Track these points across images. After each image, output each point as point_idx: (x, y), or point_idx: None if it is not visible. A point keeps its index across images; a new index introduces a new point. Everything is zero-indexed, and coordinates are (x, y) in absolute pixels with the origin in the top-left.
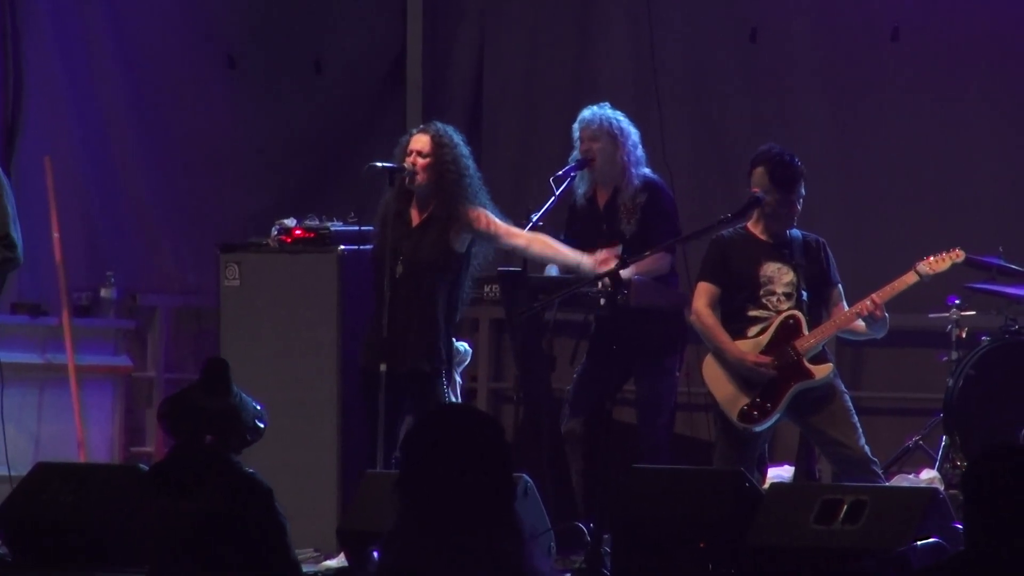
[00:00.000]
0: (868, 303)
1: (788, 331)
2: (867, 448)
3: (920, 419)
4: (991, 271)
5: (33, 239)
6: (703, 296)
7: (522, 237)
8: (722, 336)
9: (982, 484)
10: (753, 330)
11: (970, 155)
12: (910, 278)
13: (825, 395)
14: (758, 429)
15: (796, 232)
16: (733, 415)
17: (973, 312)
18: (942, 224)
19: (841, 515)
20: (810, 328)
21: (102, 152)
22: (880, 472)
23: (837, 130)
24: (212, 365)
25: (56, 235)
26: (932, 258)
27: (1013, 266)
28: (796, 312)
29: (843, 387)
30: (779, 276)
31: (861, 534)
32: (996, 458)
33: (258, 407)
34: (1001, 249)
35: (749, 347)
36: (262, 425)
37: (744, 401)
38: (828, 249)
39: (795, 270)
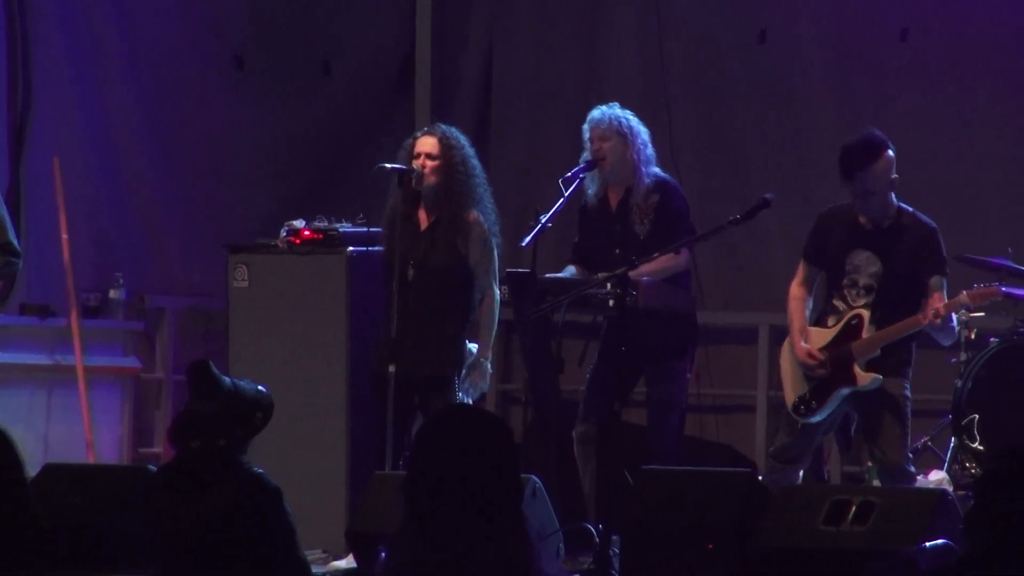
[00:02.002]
0: (929, 313)
1: (850, 331)
2: (906, 458)
3: (929, 420)
4: (1000, 272)
5: (41, 240)
6: (798, 275)
7: (485, 290)
8: (794, 322)
9: (995, 484)
10: (831, 320)
11: (979, 156)
12: (961, 299)
13: (878, 403)
14: (805, 421)
15: (908, 213)
16: (788, 403)
17: (982, 314)
18: (950, 225)
19: (849, 516)
20: (880, 327)
21: (110, 153)
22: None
23: (846, 130)
24: (194, 370)
25: (64, 236)
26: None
27: (1022, 268)
28: (862, 312)
29: (902, 392)
30: (866, 266)
31: (869, 535)
32: (1011, 459)
33: (260, 388)
34: (1010, 251)
35: (818, 339)
36: (264, 389)
37: (799, 392)
38: (938, 237)
39: (883, 260)
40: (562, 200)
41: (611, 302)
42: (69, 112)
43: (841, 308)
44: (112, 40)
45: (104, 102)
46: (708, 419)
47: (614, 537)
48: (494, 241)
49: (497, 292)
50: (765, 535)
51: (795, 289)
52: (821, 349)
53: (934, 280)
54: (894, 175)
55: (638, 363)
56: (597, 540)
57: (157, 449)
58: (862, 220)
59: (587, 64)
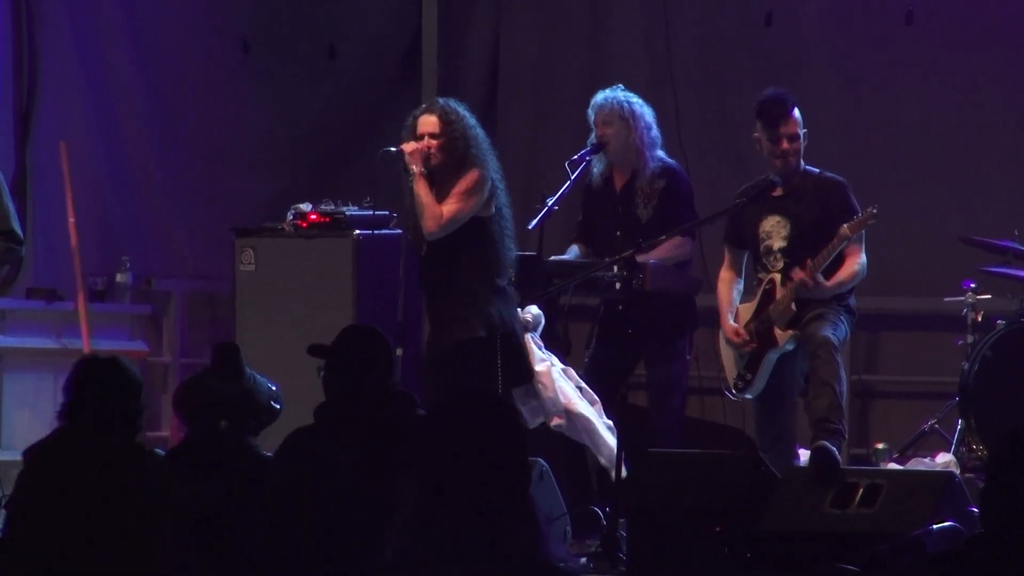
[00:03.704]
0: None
1: (767, 297)
2: (831, 336)
3: (936, 403)
4: (1007, 255)
5: (48, 224)
6: (724, 261)
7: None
8: (721, 303)
9: (1003, 464)
10: (757, 291)
11: (984, 138)
12: (842, 232)
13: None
14: (745, 397)
15: (812, 173)
16: (729, 383)
17: (988, 296)
18: (956, 208)
19: (856, 499)
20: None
21: (117, 137)
22: (838, 359)
23: (851, 114)
24: (223, 350)
25: (71, 220)
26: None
27: None
28: (774, 275)
29: (827, 307)
30: (777, 230)
31: (876, 518)
32: (1018, 439)
33: (272, 387)
34: (1016, 232)
35: (745, 313)
36: (277, 406)
37: (738, 370)
38: (845, 190)
39: (792, 221)
40: (568, 183)
41: (617, 285)
42: (75, 97)
43: (764, 278)
44: (118, 25)
45: (110, 87)
46: (715, 402)
47: (621, 520)
48: (491, 185)
49: (456, 212)
50: (772, 518)
51: (722, 273)
52: (746, 323)
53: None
54: (805, 132)
55: (638, 346)
56: (604, 523)
57: (164, 432)
58: (769, 189)
59: (593, 47)
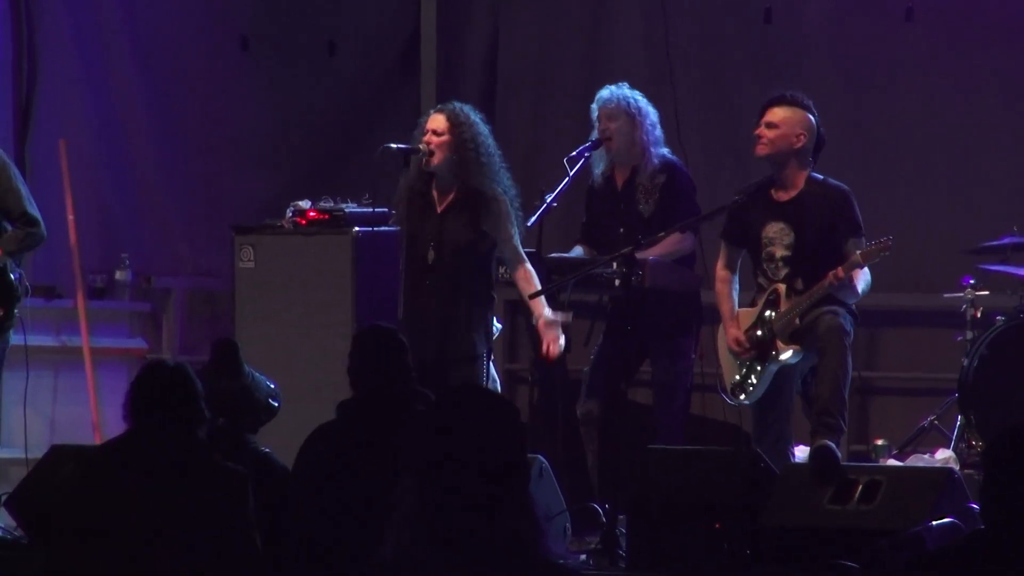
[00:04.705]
0: (830, 275)
1: (770, 306)
2: (843, 322)
3: (935, 399)
4: (1005, 252)
5: (48, 222)
6: (720, 257)
7: (517, 263)
8: (722, 307)
9: (1001, 461)
10: (760, 299)
11: (984, 135)
12: (855, 260)
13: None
14: (740, 404)
15: (818, 181)
16: (727, 386)
17: (987, 292)
18: (956, 204)
19: (856, 495)
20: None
21: (116, 135)
22: (847, 344)
23: (851, 110)
24: (221, 347)
25: (71, 218)
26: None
27: None
28: (778, 286)
29: (846, 319)
30: (780, 237)
31: (876, 514)
32: (1017, 436)
33: (271, 386)
34: (1015, 228)
35: (746, 319)
36: (276, 404)
37: (735, 374)
38: (850, 200)
39: (796, 230)
40: (567, 180)
41: (617, 282)
42: (75, 93)
43: (764, 285)
44: (118, 21)
45: (110, 83)
46: (713, 398)
47: (621, 517)
48: (517, 215)
49: (528, 263)
50: (772, 514)
51: (720, 271)
52: (747, 330)
53: (850, 243)
54: (803, 135)
55: (643, 342)
56: (604, 520)
57: None
58: (774, 193)
59: (592, 44)
